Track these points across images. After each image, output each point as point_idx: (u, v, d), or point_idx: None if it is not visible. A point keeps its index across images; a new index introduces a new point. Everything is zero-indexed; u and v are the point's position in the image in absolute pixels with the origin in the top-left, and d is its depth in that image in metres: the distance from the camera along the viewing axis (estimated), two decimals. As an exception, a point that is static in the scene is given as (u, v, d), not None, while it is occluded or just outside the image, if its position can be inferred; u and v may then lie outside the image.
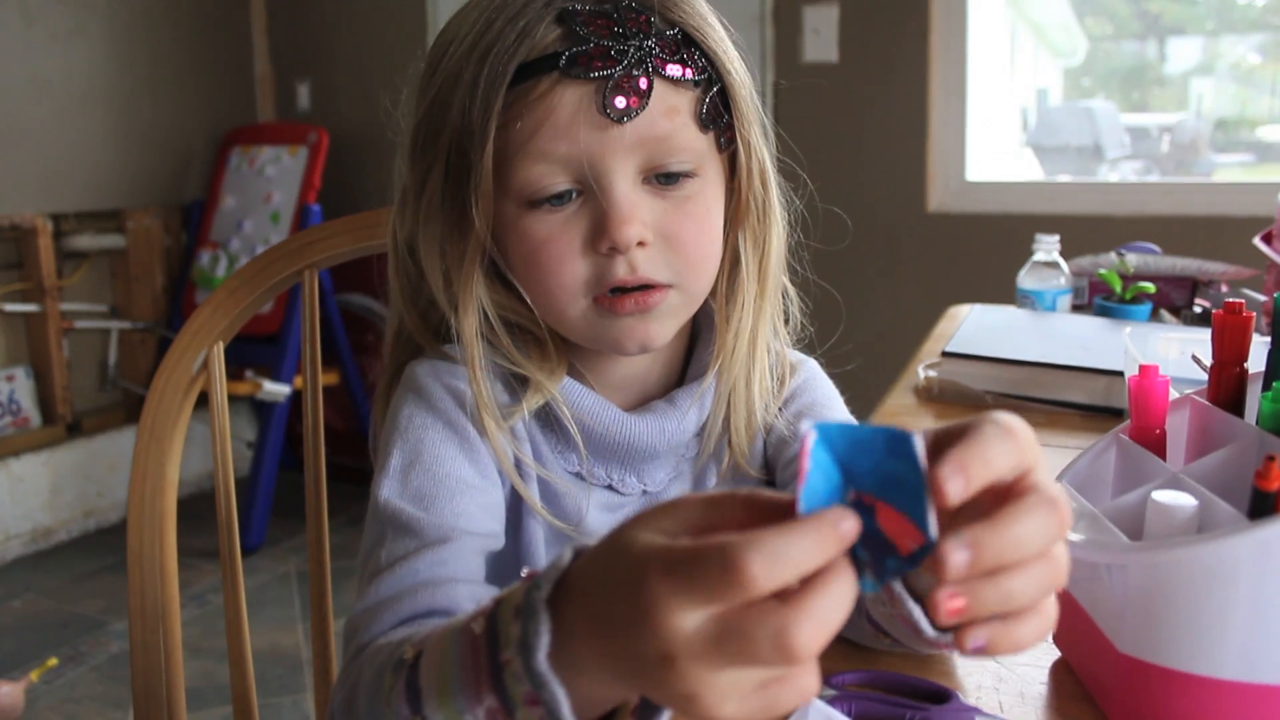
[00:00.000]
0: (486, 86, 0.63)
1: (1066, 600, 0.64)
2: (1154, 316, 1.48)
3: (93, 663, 2.39)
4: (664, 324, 0.69)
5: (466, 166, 0.65)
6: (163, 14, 3.39)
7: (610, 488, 0.74)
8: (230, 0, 3.60)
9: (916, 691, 0.63)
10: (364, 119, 3.45)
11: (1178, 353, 1.14)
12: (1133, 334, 1.15)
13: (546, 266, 0.67)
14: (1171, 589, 0.55)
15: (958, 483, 0.36)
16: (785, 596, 0.35)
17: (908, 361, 1.41)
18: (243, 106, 3.68)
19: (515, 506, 0.72)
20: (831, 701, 0.61)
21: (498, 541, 0.69)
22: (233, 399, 3.24)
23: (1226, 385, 0.69)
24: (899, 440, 0.36)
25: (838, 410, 0.80)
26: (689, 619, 0.36)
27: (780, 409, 0.78)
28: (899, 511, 0.37)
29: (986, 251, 2.69)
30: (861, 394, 0.90)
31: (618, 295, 0.67)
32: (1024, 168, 3.24)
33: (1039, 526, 0.38)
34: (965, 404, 1.23)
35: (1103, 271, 1.48)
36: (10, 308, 3.03)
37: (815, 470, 0.37)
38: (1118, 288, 1.46)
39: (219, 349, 0.90)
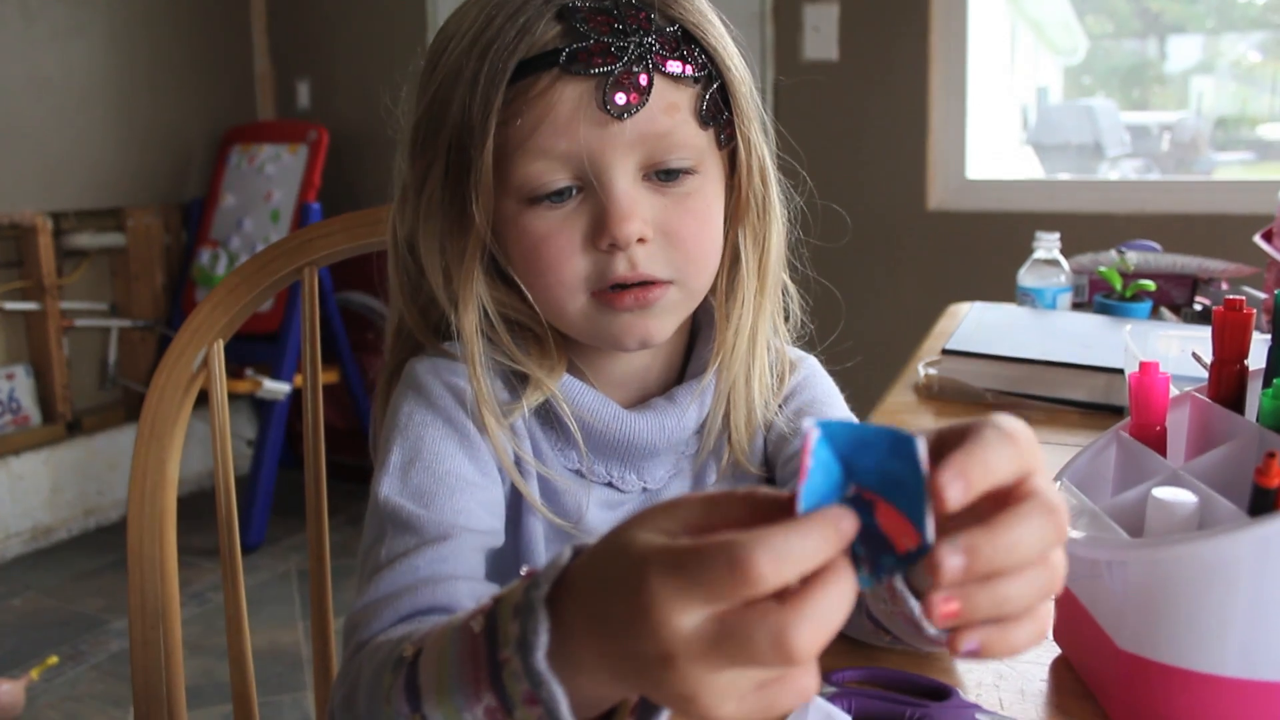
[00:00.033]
0: (487, 83, 0.63)
1: (1067, 597, 0.64)
2: (1154, 314, 1.48)
3: (93, 661, 2.39)
4: (664, 320, 0.69)
5: (467, 163, 0.65)
6: (162, 12, 3.39)
7: (610, 485, 0.74)
8: (230, -2, 3.61)
9: (917, 688, 0.63)
10: (364, 117, 3.45)
11: (1178, 350, 1.14)
12: (1133, 332, 1.15)
13: (546, 263, 0.67)
14: (1172, 586, 0.55)
15: (958, 488, 0.36)
16: (784, 597, 0.35)
17: (908, 359, 1.41)
18: (243, 104, 3.68)
19: (515, 504, 0.72)
20: (831, 698, 0.61)
21: (498, 539, 0.69)
22: (233, 397, 3.24)
23: (1227, 382, 0.69)
24: (902, 442, 0.36)
25: (838, 407, 0.80)
26: (688, 619, 0.36)
27: (780, 406, 0.78)
28: (898, 511, 0.37)
29: (987, 249, 2.69)
30: (861, 392, 0.90)
31: (617, 290, 0.67)
32: (1024, 166, 3.24)
33: (1036, 533, 0.37)
34: (965, 402, 1.23)
35: (1103, 269, 1.48)
36: (10, 306, 3.03)
37: (816, 467, 0.37)
38: (1118, 285, 1.46)
39: (219, 346, 0.90)
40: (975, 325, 1.36)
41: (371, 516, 0.67)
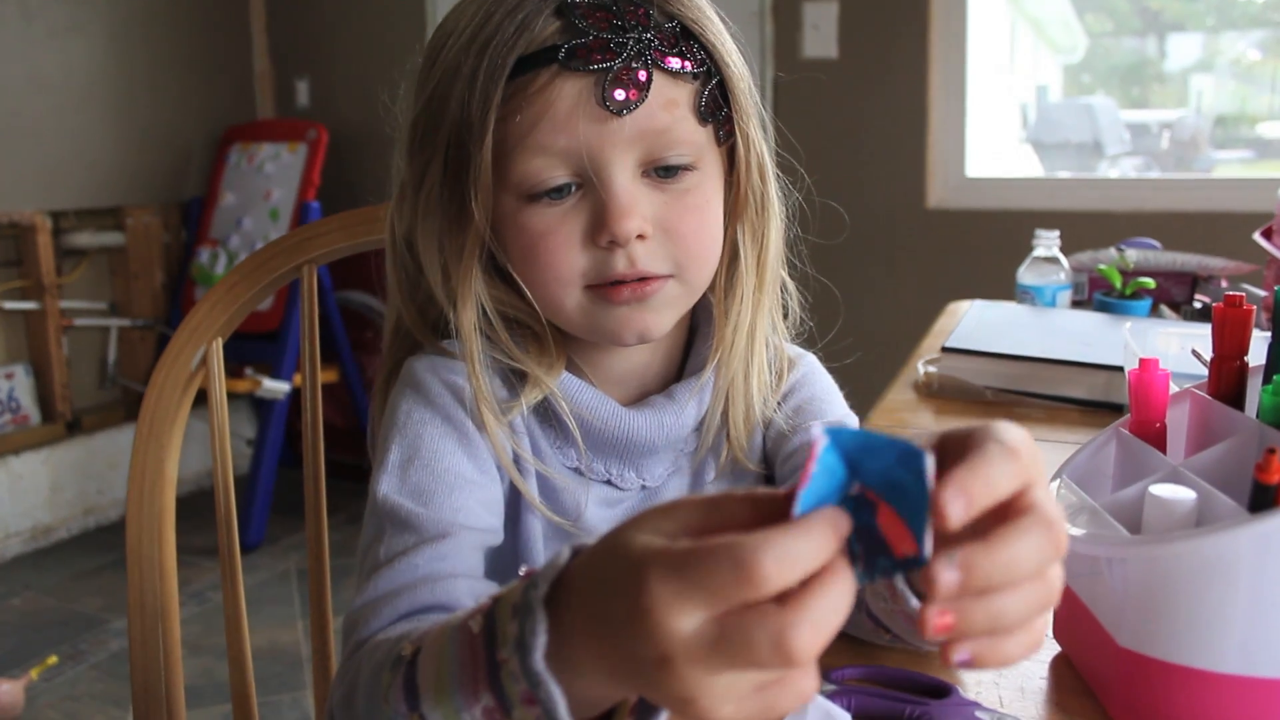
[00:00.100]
0: (485, 79, 0.63)
1: (1066, 594, 0.64)
2: (1154, 312, 1.48)
3: (92, 660, 2.39)
4: (662, 315, 0.69)
5: (465, 160, 0.65)
6: (162, 11, 3.39)
7: (609, 483, 0.74)
8: (229, -3, 3.61)
9: (916, 686, 0.63)
10: (363, 116, 3.45)
11: (1177, 348, 1.14)
12: (1133, 329, 1.14)
13: (545, 260, 0.66)
14: (1171, 583, 0.55)
15: (959, 505, 0.36)
16: (782, 598, 0.35)
17: (907, 357, 1.41)
18: (242, 103, 3.68)
19: (514, 502, 0.72)
20: (831, 696, 0.61)
21: (496, 537, 0.69)
22: (233, 396, 3.24)
23: (1227, 379, 0.69)
24: (911, 455, 0.36)
25: (837, 405, 0.80)
26: (688, 621, 0.36)
27: (779, 403, 0.78)
28: (899, 517, 0.36)
29: (986, 247, 2.69)
30: (861, 389, 0.90)
31: (615, 285, 0.67)
32: (1024, 164, 3.24)
33: (1033, 549, 0.37)
34: (965, 399, 1.23)
35: (1103, 267, 1.48)
36: (10, 305, 3.03)
37: (820, 472, 0.36)
38: (1118, 283, 1.46)
39: (218, 344, 0.89)
40: (975, 323, 1.36)
41: (370, 515, 0.67)
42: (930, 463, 0.36)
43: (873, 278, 2.86)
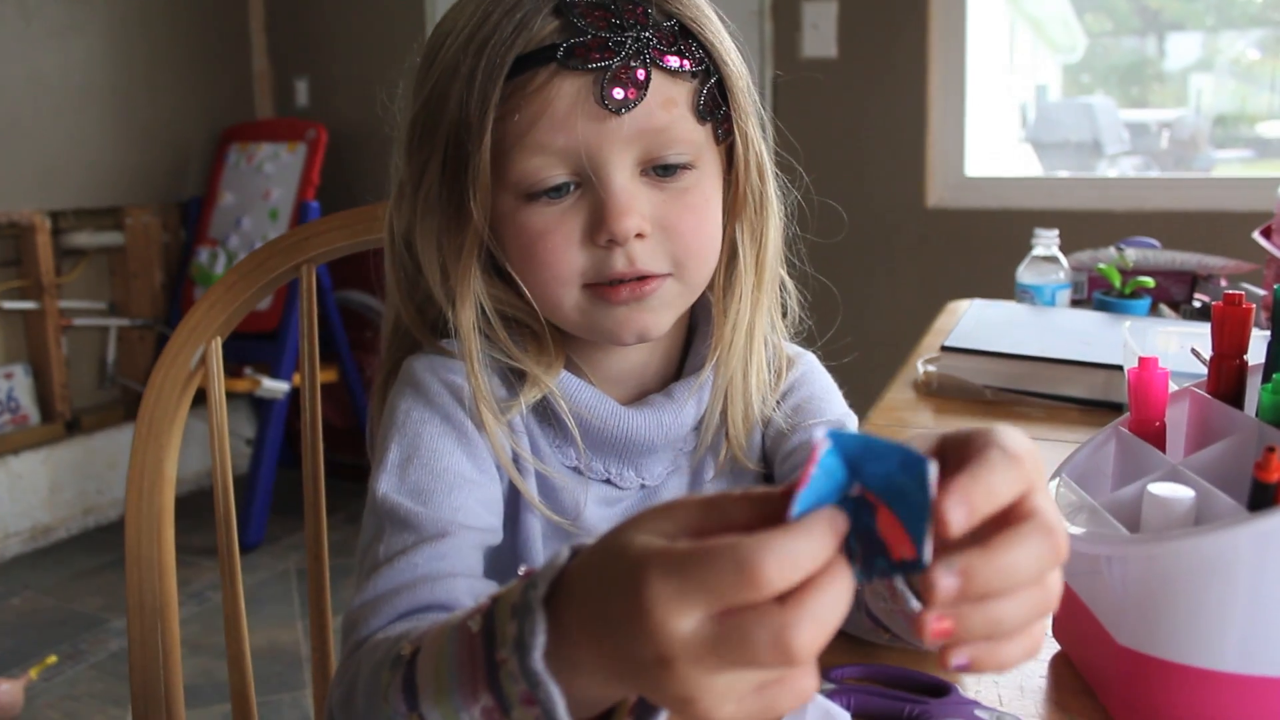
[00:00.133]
0: (484, 78, 0.63)
1: (1065, 593, 0.64)
2: (1153, 311, 1.48)
3: (92, 660, 2.39)
4: (661, 314, 0.69)
5: (464, 159, 0.65)
6: (161, 10, 3.39)
7: (608, 482, 0.74)
8: (228, -3, 3.60)
9: (916, 685, 0.63)
10: (363, 115, 3.44)
11: (1177, 347, 1.14)
12: (1132, 328, 1.14)
13: (544, 259, 0.66)
14: (1171, 581, 0.55)
15: (961, 514, 0.36)
16: (782, 598, 0.35)
17: (907, 356, 1.41)
18: (241, 103, 3.67)
19: (513, 501, 0.72)
20: (831, 695, 0.61)
21: (496, 536, 0.69)
22: (232, 396, 3.24)
23: (1226, 377, 0.69)
24: (914, 461, 0.36)
25: (836, 403, 0.80)
26: (688, 621, 0.36)
27: (778, 402, 0.78)
28: (899, 521, 0.36)
29: (986, 246, 2.69)
30: (860, 388, 0.90)
31: (614, 284, 0.67)
32: (1023, 163, 3.24)
33: (1033, 556, 0.37)
34: (964, 398, 1.23)
35: (1102, 266, 1.48)
36: (9, 305, 3.03)
37: (820, 474, 0.36)
38: (1117, 282, 1.46)
39: (217, 344, 0.89)
40: (974, 322, 1.36)
41: (369, 514, 0.67)
42: (934, 470, 0.36)
43: (872, 277, 2.86)
